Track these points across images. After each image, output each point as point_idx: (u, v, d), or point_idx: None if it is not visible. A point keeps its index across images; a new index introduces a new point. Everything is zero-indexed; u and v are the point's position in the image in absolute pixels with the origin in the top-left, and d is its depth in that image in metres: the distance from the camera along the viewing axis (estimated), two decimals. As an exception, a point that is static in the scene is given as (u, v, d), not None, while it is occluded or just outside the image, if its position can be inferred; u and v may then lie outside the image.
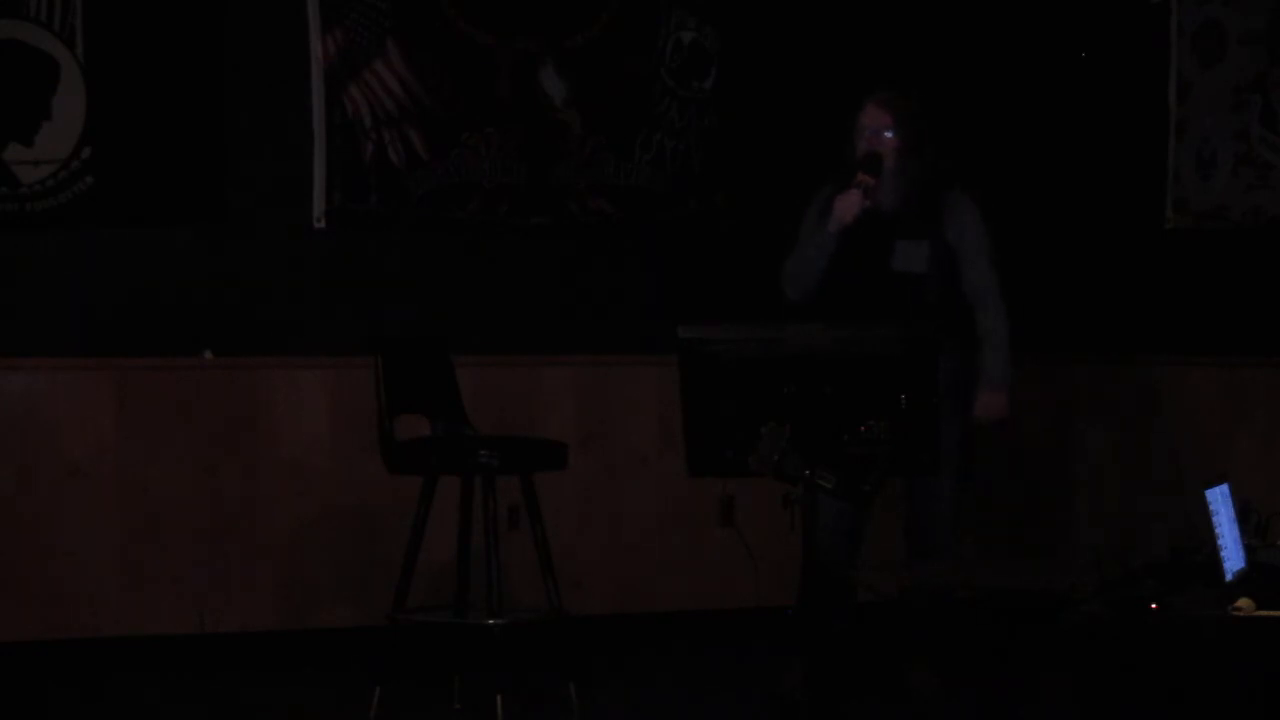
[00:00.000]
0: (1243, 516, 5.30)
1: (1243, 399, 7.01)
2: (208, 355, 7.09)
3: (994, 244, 6.22)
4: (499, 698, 5.75)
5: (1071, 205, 7.64)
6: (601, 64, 7.56)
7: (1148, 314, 7.34)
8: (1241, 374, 7.00)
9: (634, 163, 7.62)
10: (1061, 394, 7.69)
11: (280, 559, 7.11)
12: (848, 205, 6.00)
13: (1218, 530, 5.03)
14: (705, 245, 7.68)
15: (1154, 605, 4.83)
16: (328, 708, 6.32)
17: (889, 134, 6.08)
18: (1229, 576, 4.99)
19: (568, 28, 7.51)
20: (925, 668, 6.13)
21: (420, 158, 7.34)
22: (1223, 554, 5.01)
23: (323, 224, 7.25)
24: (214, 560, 7.03)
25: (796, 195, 6.33)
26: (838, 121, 6.20)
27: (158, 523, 6.98)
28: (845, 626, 6.01)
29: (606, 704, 6.22)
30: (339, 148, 7.23)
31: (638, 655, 7.11)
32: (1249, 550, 5.22)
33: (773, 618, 5.43)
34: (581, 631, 6.33)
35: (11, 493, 6.84)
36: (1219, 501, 5.08)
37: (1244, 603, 4.82)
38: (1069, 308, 7.59)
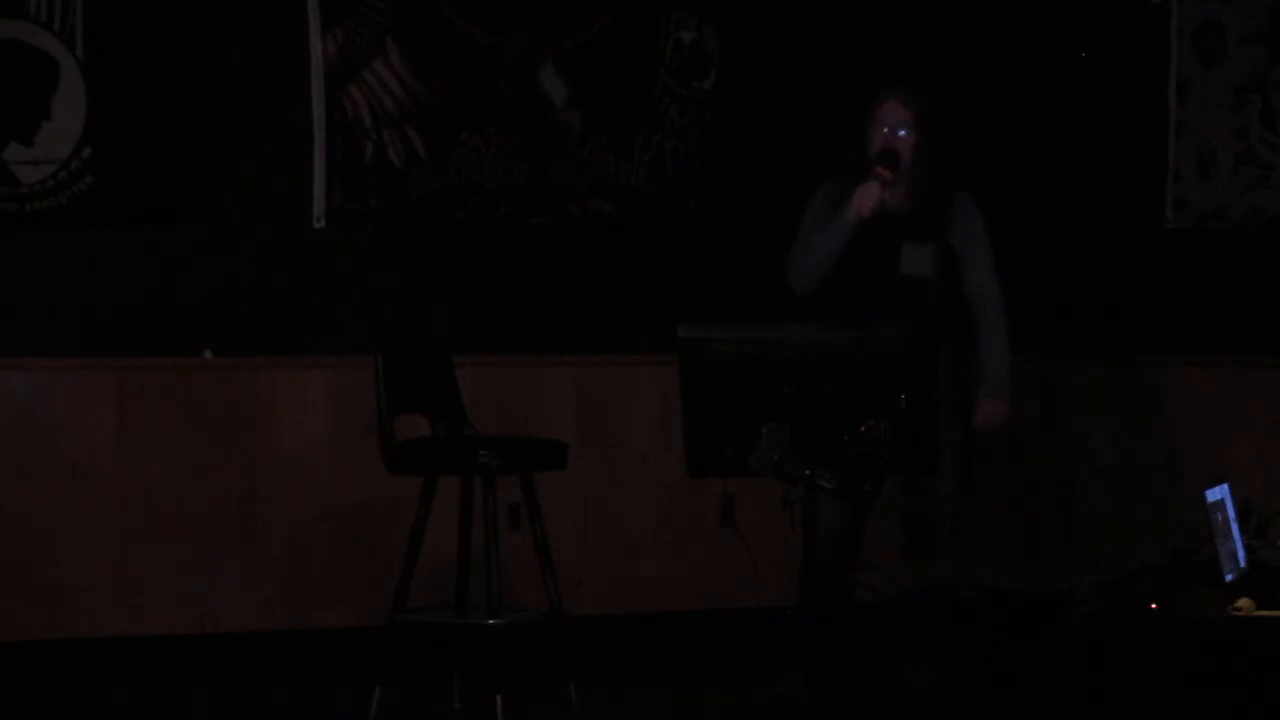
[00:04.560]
0: (1243, 516, 5.30)
1: (1243, 399, 7.00)
2: (208, 355, 7.09)
3: (994, 245, 6.22)
4: (499, 698, 5.75)
5: (1071, 205, 7.64)
6: (601, 64, 7.56)
7: (1148, 314, 7.34)
8: (1241, 374, 7.00)
9: (634, 163, 7.62)
10: (1061, 394, 7.69)
11: (280, 559, 7.11)
12: (867, 196, 5.98)
13: (1217, 530, 5.03)
14: (705, 245, 7.68)
15: (1154, 605, 4.83)
16: (328, 708, 6.31)
17: (903, 132, 6.07)
18: (1229, 576, 4.99)
19: (568, 28, 7.51)
20: (925, 668, 6.13)
21: (420, 158, 7.34)
22: (1222, 554, 5.01)
23: (323, 224, 7.25)
24: (214, 560, 7.03)
25: (796, 195, 6.33)
26: (837, 121, 6.20)
27: (158, 523, 6.98)
28: (845, 627, 6.01)
29: (606, 704, 6.22)
30: (339, 148, 7.23)
31: (638, 655, 7.11)
32: (1249, 550, 5.23)
33: (773, 618, 5.42)
34: (581, 631, 6.33)
35: (11, 493, 6.84)
36: (1219, 501, 5.09)
37: (1244, 603, 4.83)
38: (1069, 308, 7.59)
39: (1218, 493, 5.10)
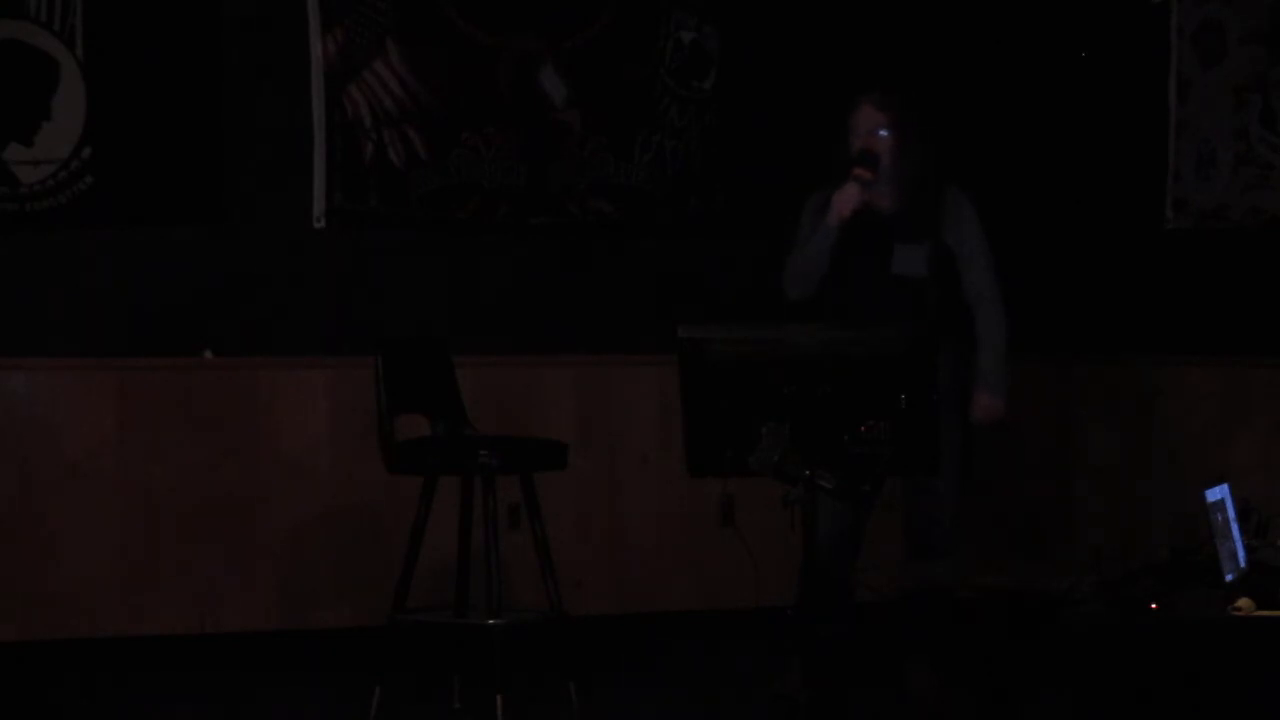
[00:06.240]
0: (1243, 516, 5.30)
1: (1243, 399, 7.01)
2: (208, 355, 7.10)
3: (992, 245, 6.22)
4: (499, 698, 5.75)
5: (1071, 205, 7.64)
6: (601, 64, 7.56)
7: (1148, 314, 7.34)
8: (1241, 374, 7.00)
9: (634, 163, 7.62)
10: (1061, 394, 7.69)
11: (280, 559, 7.11)
12: (845, 199, 6.01)
13: (1217, 530, 5.04)
14: (705, 245, 7.68)
15: (1154, 605, 4.84)
16: (328, 708, 6.32)
17: (884, 133, 6.09)
18: (1229, 576, 4.99)
19: (568, 28, 7.51)
20: (925, 668, 6.13)
21: (420, 158, 7.34)
22: (1222, 554, 5.02)
23: (323, 224, 7.25)
24: (214, 560, 7.03)
25: (796, 195, 6.33)
26: (837, 122, 6.21)
27: (158, 523, 6.98)
28: (845, 627, 6.01)
29: (606, 704, 6.22)
30: (339, 148, 7.23)
31: (638, 655, 7.11)
32: (1249, 550, 5.23)
33: (773, 618, 5.42)
34: (581, 631, 6.33)
35: (11, 493, 6.85)
36: (1219, 501, 5.09)
37: (1244, 603, 4.83)
38: (1069, 308, 7.59)
39: (1218, 493, 5.10)
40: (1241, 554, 5.15)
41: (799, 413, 4.67)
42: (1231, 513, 5.15)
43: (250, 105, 7.15)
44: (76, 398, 6.93)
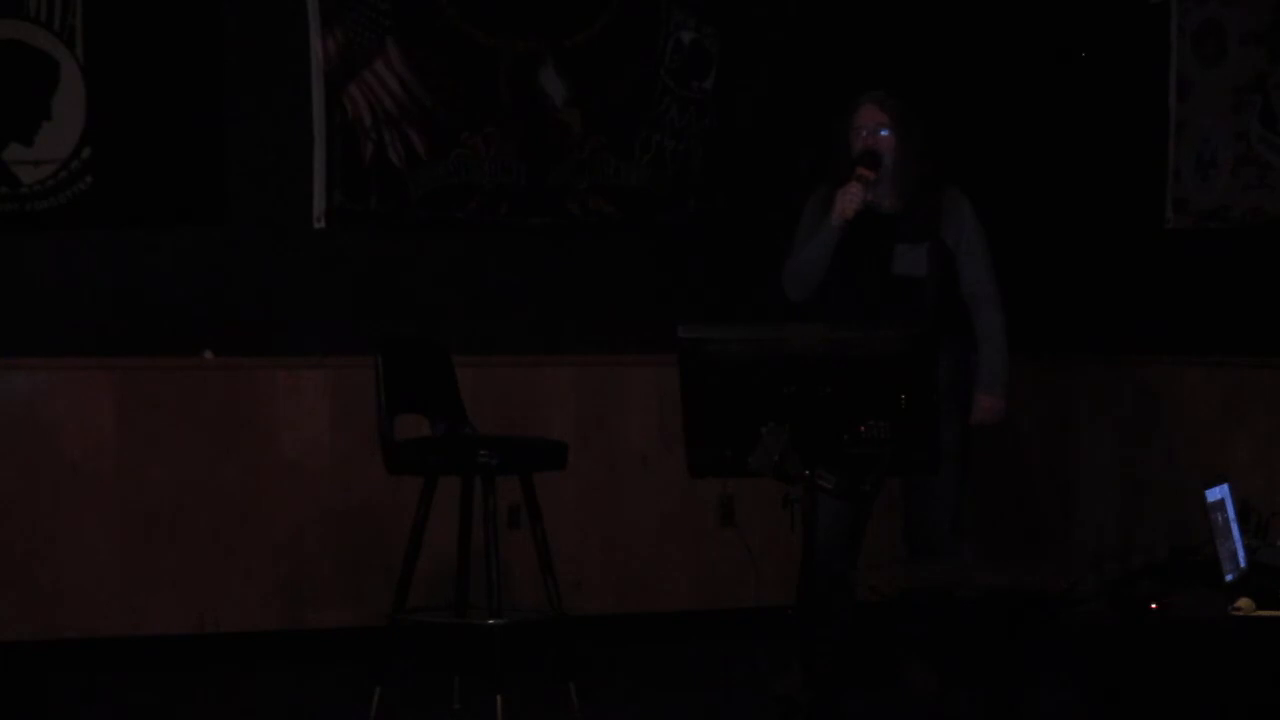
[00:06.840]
0: (1243, 516, 5.30)
1: (1242, 399, 7.00)
2: (208, 355, 7.09)
3: (992, 244, 6.22)
4: (499, 698, 5.76)
5: (1071, 205, 7.64)
6: (601, 64, 7.56)
7: (1148, 314, 7.34)
8: (1241, 374, 7.00)
9: (634, 163, 7.62)
10: (1061, 394, 7.69)
11: (280, 559, 7.11)
12: (849, 198, 6.01)
13: (1217, 530, 5.04)
14: (705, 245, 7.68)
15: (1154, 605, 4.84)
16: (328, 708, 6.32)
17: (885, 132, 6.10)
18: (1229, 576, 4.99)
19: (568, 28, 7.51)
20: (925, 667, 6.13)
21: (420, 158, 7.34)
22: (1222, 554, 5.01)
23: (323, 224, 7.25)
24: (214, 560, 7.03)
25: (796, 195, 6.34)
26: (837, 122, 6.21)
27: (158, 523, 6.98)
28: (845, 627, 6.01)
29: (606, 704, 6.22)
30: (339, 148, 7.23)
31: (638, 655, 7.11)
32: (1249, 550, 5.23)
33: (773, 618, 5.43)
34: (581, 631, 6.33)
35: (11, 492, 6.84)
36: (1219, 501, 5.09)
37: (1244, 603, 4.83)
38: (1069, 308, 7.59)
39: (1218, 493, 5.10)
40: (1241, 554, 5.15)
41: (799, 413, 4.67)
42: (1231, 513, 5.14)
43: (250, 105, 7.15)
44: (76, 398, 6.93)
